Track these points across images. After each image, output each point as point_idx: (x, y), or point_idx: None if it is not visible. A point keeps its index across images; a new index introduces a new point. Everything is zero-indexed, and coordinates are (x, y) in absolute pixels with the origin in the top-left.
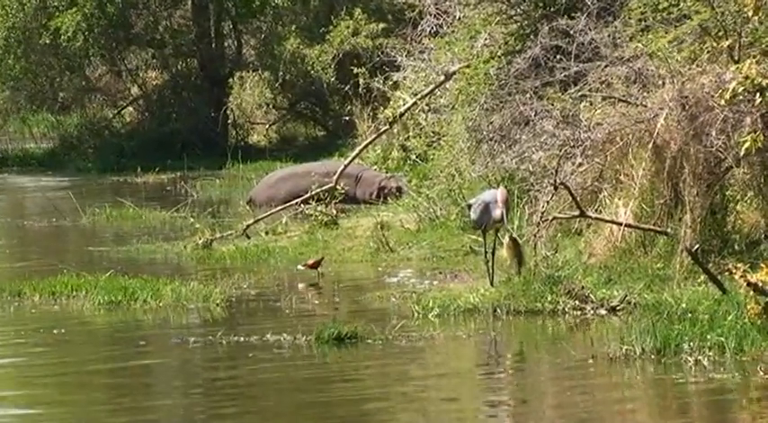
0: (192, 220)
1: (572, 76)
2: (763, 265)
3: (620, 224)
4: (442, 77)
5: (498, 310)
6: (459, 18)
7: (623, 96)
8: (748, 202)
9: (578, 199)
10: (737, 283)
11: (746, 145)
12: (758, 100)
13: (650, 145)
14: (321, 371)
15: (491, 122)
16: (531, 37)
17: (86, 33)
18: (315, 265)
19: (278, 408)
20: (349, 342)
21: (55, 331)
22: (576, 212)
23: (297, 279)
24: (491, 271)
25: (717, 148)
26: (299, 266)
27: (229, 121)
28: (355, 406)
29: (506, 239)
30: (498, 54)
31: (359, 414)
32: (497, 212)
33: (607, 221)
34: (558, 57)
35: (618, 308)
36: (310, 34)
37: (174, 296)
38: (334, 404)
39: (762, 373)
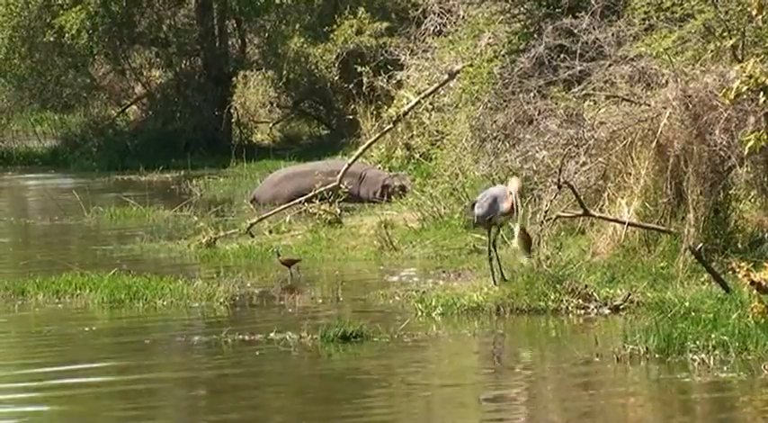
0: (195, 218)
1: (576, 75)
2: (766, 263)
3: (624, 223)
4: (446, 76)
5: (501, 309)
6: (463, 17)
7: (627, 95)
8: (752, 200)
9: (582, 198)
10: (741, 282)
11: (750, 144)
12: (762, 99)
13: (654, 144)
14: (328, 369)
15: (495, 121)
16: (535, 36)
17: (90, 32)
18: (289, 263)
19: (284, 407)
20: (354, 341)
21: (86, 329)
22: (580, 211)
23: (299, 278)
24: (493, 270)
25: (720, 147)
26: (277, 254)
27: (233, 120)
28: (360, 405)
29: (517, 229)
30: (502, 53)
31: (364, 413)
32: (506, 205)
33: (610, 220)
34: (561, 56)
35: (621, 307)
36: (314, 33)
37: (178, 295)
38: (341, 403)
39: (766, 372)
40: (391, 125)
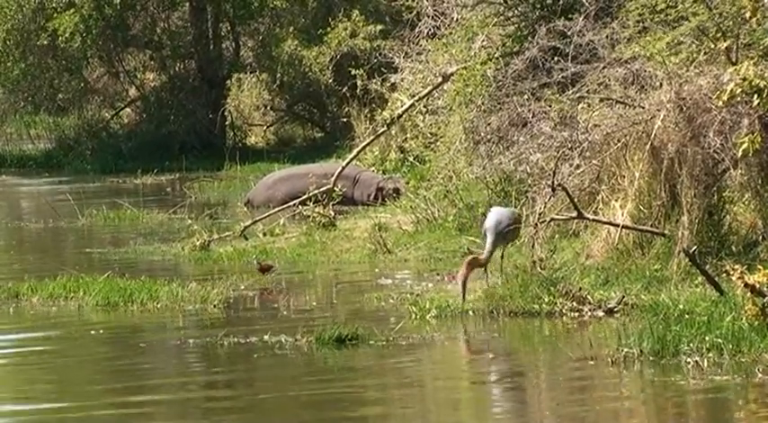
0: (189, 221)
1: (570, 77)
2: (760, 266)
3: (618, 225)
4: (440, 79)
5: (495, 312)
6: (457, 20)
7: (621, 98)
8: (745, 203)
9: (576, 200)
10: (735, 285)
11: (744, 146)
12: (755, 101)
13: (648, 146)
14: (323, 372)
15: (488, 124)
16: (529, 38)
17: (84, 35)
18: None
19: (281, 409)
20: (350, 343)
21: (92, 332)
22: (574, 214)
23: (295, 282)
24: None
25: (714, 149)
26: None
27: (227, 123)
28: (357, 407)
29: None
30: (496, 55)
31: (360, 415)
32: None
33: (604, 223)
34: (555, 58)
35: (615, 309)
36: (308, 36)
37: (172, 298)
38: (337, 406)
39: (760, 375)
40: (385, 128)
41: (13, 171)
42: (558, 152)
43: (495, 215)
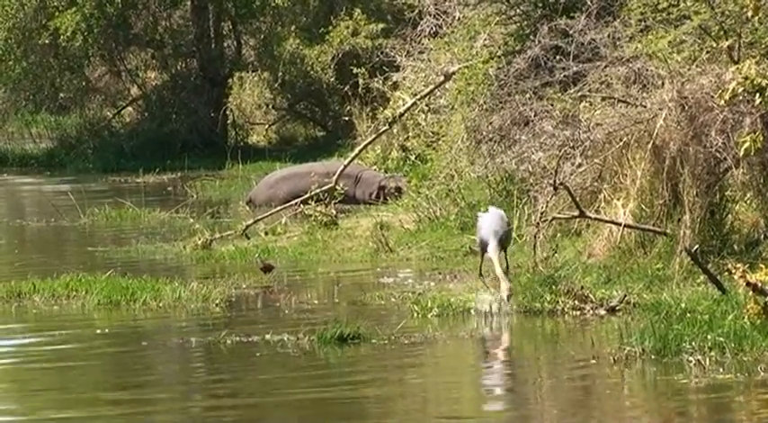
0: (191, 220)
1: (571, 76)
2: (762, 265)
3: (620, 224)
4: (442, 78)
5: (497, 311)
6: (459, 18)
7: (623, 97)
8: (747, 202)
9: (578, 199)
10: (737, 284)
11: (746, 145)
12: (757, 100)
13: (650, 145)
14: (325, 371)
15: (490, 123)
16: (531, 37)
17: (86, 33)
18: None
19: (285, 410)
20: (351, 342)
21: (98, 331)
22: (576, 213)
23: (297, 280)
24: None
25: (716, 148)
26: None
27: (229, 122)
28: (359, 406)
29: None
30: (498, 54)
31: (362, 413)
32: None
33: (606, 222)
34: (557, 57)
35: (617, 308)
36: (310, 34)
37: (174, 296)
38: (339, 405)
39: (762, 373)
40: (387, 126)
41: (14, 170)
42: (559, 151)
43: (491, 224)
